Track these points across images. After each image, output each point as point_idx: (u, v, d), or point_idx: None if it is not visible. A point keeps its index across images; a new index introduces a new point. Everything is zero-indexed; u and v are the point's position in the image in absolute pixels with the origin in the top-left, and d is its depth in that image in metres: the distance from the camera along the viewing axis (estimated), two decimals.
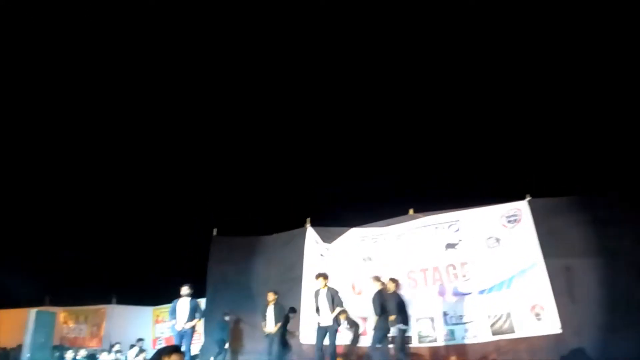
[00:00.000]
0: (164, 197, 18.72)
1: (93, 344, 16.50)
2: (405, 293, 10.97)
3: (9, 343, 15.16)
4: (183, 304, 10.70)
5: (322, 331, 9.46)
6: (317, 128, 17.03)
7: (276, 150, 18.26)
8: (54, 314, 14.54)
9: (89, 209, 19.13)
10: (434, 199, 12.19)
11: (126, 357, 14.38)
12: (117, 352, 14.27)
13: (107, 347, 15.46)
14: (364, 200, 14.85)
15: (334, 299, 9.53)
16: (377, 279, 10.09)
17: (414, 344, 10.73)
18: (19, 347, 13.74)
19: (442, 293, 10.76)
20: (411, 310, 10.77)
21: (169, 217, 18.33)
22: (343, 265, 12.05)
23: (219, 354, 12.09)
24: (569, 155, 13.41)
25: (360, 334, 11.11)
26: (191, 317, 10.66)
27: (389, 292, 9.89)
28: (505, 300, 9.91)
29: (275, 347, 10.88)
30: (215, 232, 13.83)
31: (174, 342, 11.02)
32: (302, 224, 12.91)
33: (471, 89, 15.22)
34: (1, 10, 13.38)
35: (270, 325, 10.93)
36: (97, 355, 14.30)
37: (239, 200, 17.96)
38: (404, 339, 9.72)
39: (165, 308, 15.03)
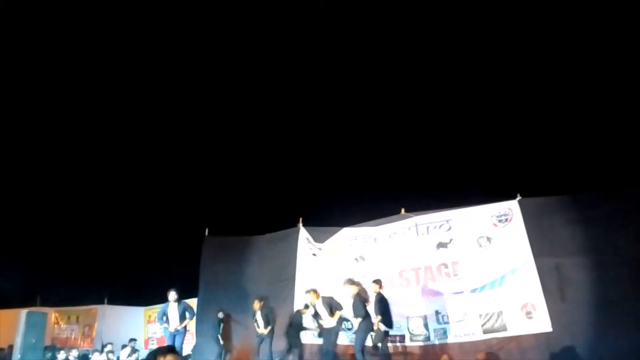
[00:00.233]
0: (155, 197, 18.67)
1: (85, 345, 16.47)
2: (397, 292, 11.09)
3: (0, 343, 15.12)
4: (172, 308, 10.88)
5: (327, 332, 9.59)
6: (310, 128, 17.04)
7: (268, 150, 18.26)
8: (45, 315, 14.45)
9: (80, 208, 19.05)
10: (426, 198, 12.23)
11: (118, 357, 14.35)
12: (109, 352, 14.22)
13: (99, 347, 15.42)
14: (356, 200, 14.86)
15: (332, 305, 9.77)
16: (352, 281, 10.09)
17: (406, 342, 10.79)
18: (10, 348, 13.68)
19: (433, 292, 10.80)
20: (403, 309, 10.89)
21: (161, 217, 18.29)
22: (335, 265, 12.08)
23: (219, 353, 12.10)
24: (559, 154, 13.50)
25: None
26: (182, 319, 10.88)
27: (374, 293, 9.92)
28: (496, 299, 9.97)
29: (266, 347, 11.09)
30: (207, 232, 13.82)
31: (166, 342, 11.15)
32: (294, 224, 12.92)
33: (462, 89, 15.30)
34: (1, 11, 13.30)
35: (262, 327, 11.18)
36: (89, 356, 14.27)
37: (231, 200, 17.95)
38: (385, 340, 9.75)
39: (157, 308, 15.01)
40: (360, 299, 9.63)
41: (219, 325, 12.36)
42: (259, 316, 11.25)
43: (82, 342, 16.73)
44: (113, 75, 16.84)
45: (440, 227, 11.22)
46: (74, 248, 18.62)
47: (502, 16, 13.51)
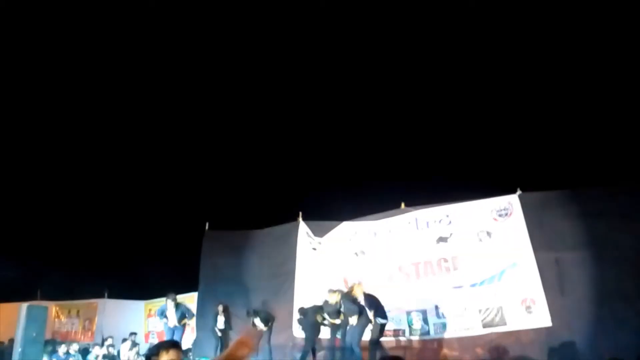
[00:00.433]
0: (156, 191, 18.67)
1: (85, 339, 16.51)
2: (397, 286, 11.12)
3: (0, 337, 15.14)
4: (171, 311, 11.06)
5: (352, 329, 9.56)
6: (309, 122, 17.01)
7: (268, 145, 18.25)
8: (45, 308, 14.41)
9: (80, 202, 19.06)
10: (426, 193, 12.20)
11: (119, 351, 14.37)
12: (109, 346, 14.23)
13: (99, 341, 15.44)
14: (356, 194, 14.85)
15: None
16: (333, 290, 10.14)
17: (406, 336, 10.81)
18: (10, 342, 13.70)
19: (433, 286, 10.81)
20: (403, 304, 10.91)
21: (161, 210, 18.31)
22: (335, 259, 12.10)
23: (216, 346, 12.16)
24: (559, 149, 13.48)
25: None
26: (181, 319, 11.12)
27: (361, 294, 9.73)
28: (496, 294, 9.99)
29: (265, 341, 11.28)
30: (207, 226, 13.83)
31: (165, 336, 11.33)
32: (294, 218, 12.92)
33: (462, 84, 15.26)
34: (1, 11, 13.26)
35: (261, 325, 11.41)
36: (90, 350, 14.27)
37: (231, 194, 17.94)
38: (381, 334, 9.70)
39: (158, 302, 15.04)
40: (350, 299, 9.59)
41: (217, 318, 12.41)
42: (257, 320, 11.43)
43: (82, 336, 16.77)
44: (113, 73, 16.84)
45: (440, 221, 11.21)
46: (75, 242, 18.65)
47: (502, 12, 13.46)
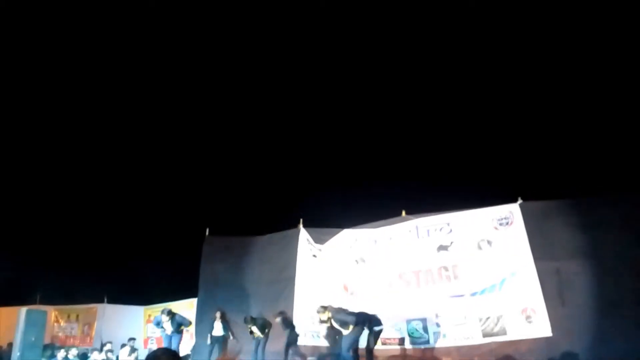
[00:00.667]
0: (156, 196, 18.68)
1: (84, 343, 16.46)
2: (397, 294, 11.11)
3: (0, 341, 15.11)
4: (166, 321, 11.13)
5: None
6: (311, 129, 17.04)
7: (269, 151, 18.27)
8: (44, 313, 14.41)
9: (81, 207, 19.07)
10: (427, 201, 12.20)
11: (117, 356, 14.32)
12: (108, 351, 14.19)
13: (98, 346, 15.39)
14: (357, 201, 14.86)
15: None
16: (324, 307, 9.49)
17: (405, 345, 10.77)
18: (9, 346, 13.67)
19: (433, 295, 10.79)
20: (402, 312, 10.88)
21: (162, 216, 18.30)
22: (335, 267, 12.08)
23: (209, 352, 12.17)
24: (560, 158, 13.48)
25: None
26: (177, 328, 11.19)
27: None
28: (496, 303, 9.96)
29: (260, 349, 11.31)
30: (207, 231, 13.82)
31: (163, 343, 11.41)
32: (294, 225, 12.91)
33: (464, 91, 15.29)
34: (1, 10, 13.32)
35: (257, 332, 11.41)
36: (89, 355, 14.22)
37: (231, 200, 17.95)
38: (376, 342, 9.63)
39: (157, 308, 15.02)
40: (344, 311, 9.39)
41: (213, 324, 12.41)
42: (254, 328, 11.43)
43: (81, 341, 16.72)
44: (115, 75, 16.88)
45: (440, 229, 11.20)
46: (75, 246, 18.63)
47: (505, 19, 13.51)
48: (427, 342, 10.54)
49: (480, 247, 10.60)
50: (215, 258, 13.42)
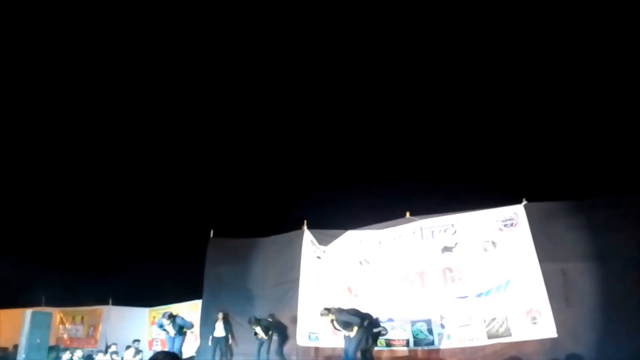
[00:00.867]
0: (160, 198, 18.70)
1: (89, 345, 16.49)
2: (401, 296, 11.11)
3: (5, 343, 15.14)
4: (168, 324, 11.16)
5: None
6: (315, 130, 17.04)
7: (273, 152, 18.26)
8: (49, 315, 14.45)
9: (85, 209, 19.11)
10: (431, 202, 12.20)
11: (122, 358, 14.35)
12: (113, 353, 14.22)
13: (103, 348, 15.42)
14: (361, 203, 14.84)
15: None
16: (327, 310, 9.50)
17: (410, 346, 10.76)
18: (15, 347, 13.71)
19: (438, 296, 10.77)
20: (407, 313, 10.87)
21: (166, 218, 18.33)
22: (340, 268, 12.08)
23: (212, 352, 12.22)
24: (565, 159, 13.44)
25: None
26: (180, 330, 11.21)
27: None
28: (501, 304, 9.94)
29: (264, 351, 11.47)
30: (212, 233, 13.83)
31: (166, 345, 11.48)
32: (299, 226, 12.92)
33: (469, 92, 15.26)
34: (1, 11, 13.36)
35: (262, 333, 11.49)
36: (94, 356, 14.27)
37: (236, 201, 17.97)
38: (374, 343, 9.62)
39: (162, 309, 15.04)
40: (347, 312, 9.34)
41: (215, 325, 12.45)
42: (258, 329, 11.46)
43: (86, 343, 16.75)
44: (118, 75, 16.91)
45: (445, 231, 11.20)
46: (79, 248, 18.67)
47: (509, 19, 13.48)
48: (432, 343, 10.52)
49: (485, 249, 10.59)
50: (220, 260, 13.42)
